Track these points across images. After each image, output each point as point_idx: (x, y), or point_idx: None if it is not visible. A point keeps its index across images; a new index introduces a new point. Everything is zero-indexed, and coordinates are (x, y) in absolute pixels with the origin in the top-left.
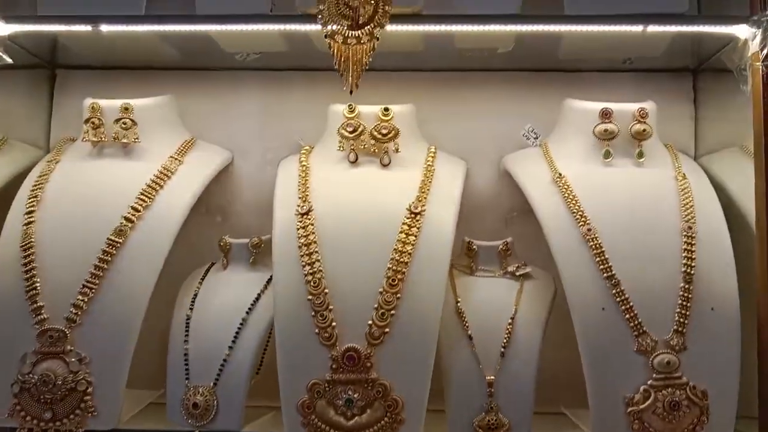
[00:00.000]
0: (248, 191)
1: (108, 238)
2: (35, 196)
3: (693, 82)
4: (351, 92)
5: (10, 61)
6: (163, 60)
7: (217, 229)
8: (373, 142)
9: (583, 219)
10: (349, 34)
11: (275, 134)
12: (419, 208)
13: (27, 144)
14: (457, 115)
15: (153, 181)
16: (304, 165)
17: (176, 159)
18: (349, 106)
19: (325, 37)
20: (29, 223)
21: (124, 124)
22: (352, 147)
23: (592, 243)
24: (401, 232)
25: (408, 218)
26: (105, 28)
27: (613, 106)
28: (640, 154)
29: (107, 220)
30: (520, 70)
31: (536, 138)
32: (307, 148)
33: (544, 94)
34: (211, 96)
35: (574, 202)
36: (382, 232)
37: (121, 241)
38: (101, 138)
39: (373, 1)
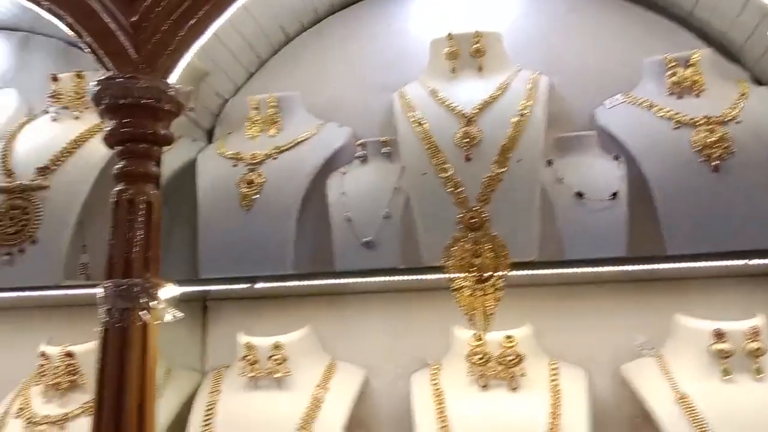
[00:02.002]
0: (383, 407)
1: None
2: None
3: None
4: (480, 339)
5: (182, 315)
6: (301, 290)
7: None
8: (500, 368)
9: None
10: (475, 287)
11: (402, 351)
12: None
13: (186, 369)
14: (571, 327)
15: (306, 414)
16: (437, 387)
17: (322, 387)
18: (475, 335)
19: (453, 290)
20: None
21: (277, 360)
22: (481, 373)
23: None
24: None
25: None
26: (260, 285)
27: (723, 325)
28: (758, 371)
29: None
30: (629, 281)
31: (651, 349)
32: (436, 367)
33: (652, 302)
34: (343, 318)
35: (701, 427)
36: None
37: None
38: (257, 373)
39: (494, 255)
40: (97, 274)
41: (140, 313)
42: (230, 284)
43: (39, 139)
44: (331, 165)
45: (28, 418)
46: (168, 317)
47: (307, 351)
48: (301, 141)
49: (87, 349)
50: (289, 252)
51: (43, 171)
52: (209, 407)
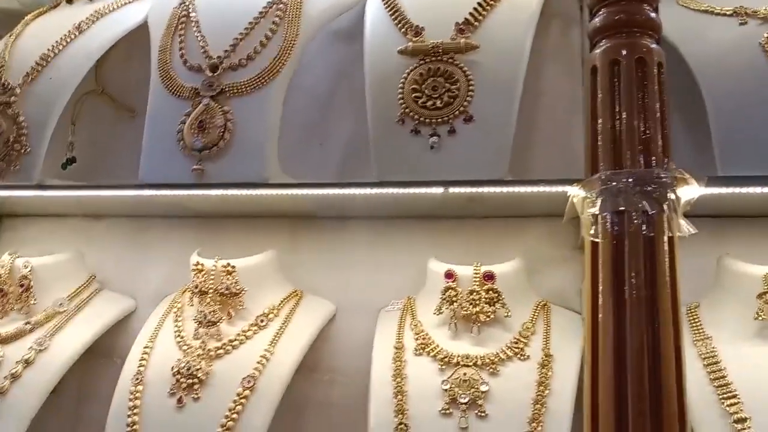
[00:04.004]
0: None
1: None
2: None
3: None
4: None
5: (695, 231)
6: None
7: None
8: None
9: None
10: None
11: None
12: None
13: None
14: None
15: None
16: None
17: None
18: None
19: None
20: None
21: None
22: None
23: None
24: None
25: None
26: None
27: None
28: None
29: None
30: None
31: None
32: None
33: None
34: None
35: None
36: None
37: None
38: None
39: None
40: None
41: (668, 216)
42: None
43: None
44: None
45: (441, 358)
46: (684, 229)
47: None
48: None
49: (505, 270)
50: None
51: (465, 27)
52: (709, 359)
